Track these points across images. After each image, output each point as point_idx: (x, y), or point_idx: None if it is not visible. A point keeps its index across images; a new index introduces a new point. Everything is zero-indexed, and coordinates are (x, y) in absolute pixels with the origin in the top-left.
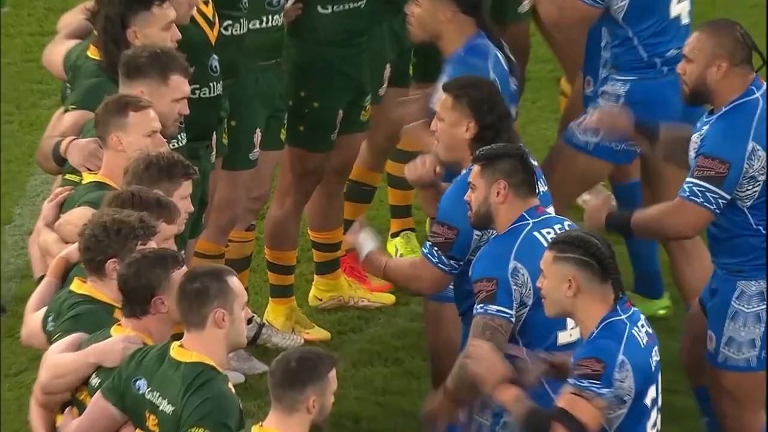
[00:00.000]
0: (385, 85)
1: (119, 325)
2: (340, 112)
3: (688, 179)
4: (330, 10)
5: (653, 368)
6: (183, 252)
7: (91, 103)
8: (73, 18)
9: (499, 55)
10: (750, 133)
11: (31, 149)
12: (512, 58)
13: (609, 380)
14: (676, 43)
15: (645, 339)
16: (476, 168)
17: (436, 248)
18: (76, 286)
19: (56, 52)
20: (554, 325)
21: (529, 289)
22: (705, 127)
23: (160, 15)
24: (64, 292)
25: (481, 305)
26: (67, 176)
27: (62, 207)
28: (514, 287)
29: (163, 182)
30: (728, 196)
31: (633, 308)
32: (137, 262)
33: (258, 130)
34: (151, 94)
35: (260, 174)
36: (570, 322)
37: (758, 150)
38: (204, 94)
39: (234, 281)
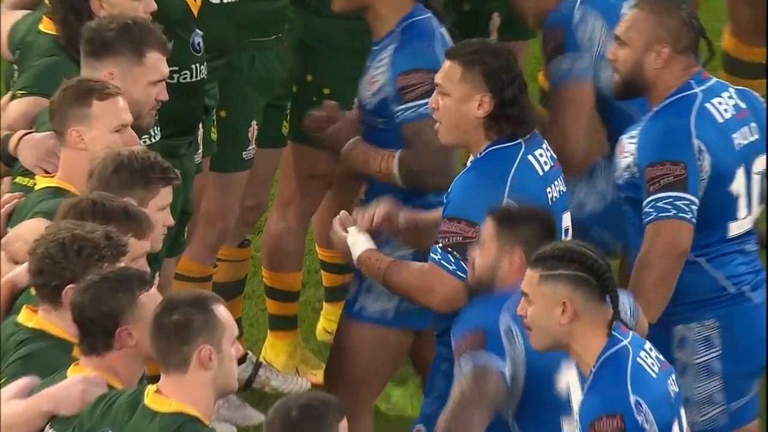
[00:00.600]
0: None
1: (77, 364)
2: (356, 100)
3: (646, 200)
4: None
5: (673, 400)
6: (157, 274)
7: (46, 88)
8: None
9: (443, 31)
10: (691, 131)
11: None
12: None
13: None
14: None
15: (656, 367)
16: (491, 226)
17: (451, 251)
18: (26, 317)
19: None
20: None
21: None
22: (637, 130)
23: None
24: (9, 323)
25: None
26: (17, 179)
27: (10, 218)
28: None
29: (137, 189)
30: (697, 201)
31: (631, 332)
32: (94, 286)
33: (253, 122)
34: (123, 76)
35: (257, 177)
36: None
37: (704, 150)
38: (185, 78)
39: (222, 311)
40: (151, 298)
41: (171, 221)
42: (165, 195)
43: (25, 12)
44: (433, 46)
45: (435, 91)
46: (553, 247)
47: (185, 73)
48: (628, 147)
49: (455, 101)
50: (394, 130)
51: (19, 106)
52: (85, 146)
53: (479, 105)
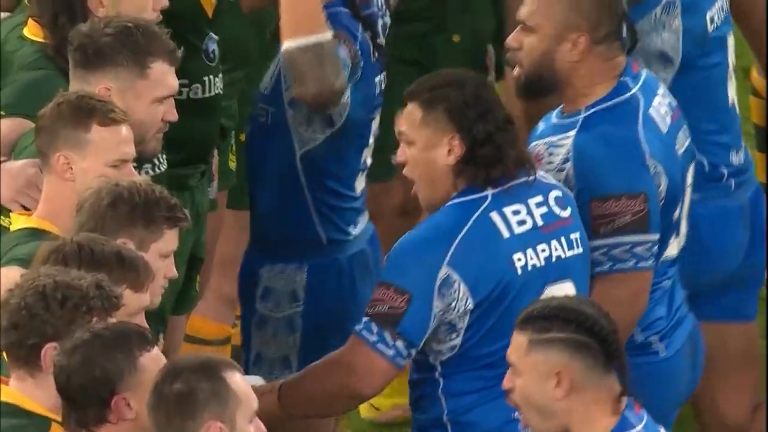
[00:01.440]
0: (491, 77)
1: None
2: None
3: (594, 242)
4: None
5: None
6: (162, 336)
7: (30, 108)
8: None
9: (367, 38)
10: (643, 149)
11: None
12: (377, 28)
13: None
14: (737, 140)
15: None
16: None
17: (375, 321)
18: None
19: None
20: None
21: None
22: (564, 143)
23: None
24: None
25: None
26: None
27: None
28: None
29: (137, 228)
30: (658, 237)
31: (645, 413)
32: (85, 346)
33: None
34: (122, 91)
35: None
36: None
37: (660, 172)
38: (196, 93)
39: (237, 380)
40: (154, 360)
41: (174, 273)
42: (170, 239)
43: (4, 14)
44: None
45: (402, 145)
46: (545, 305)
47: (196, 87)
48: (549, 157)
49: (422, 149)
50: (281, 125)
51: None
52: (72, 177)
53: (449, 150)
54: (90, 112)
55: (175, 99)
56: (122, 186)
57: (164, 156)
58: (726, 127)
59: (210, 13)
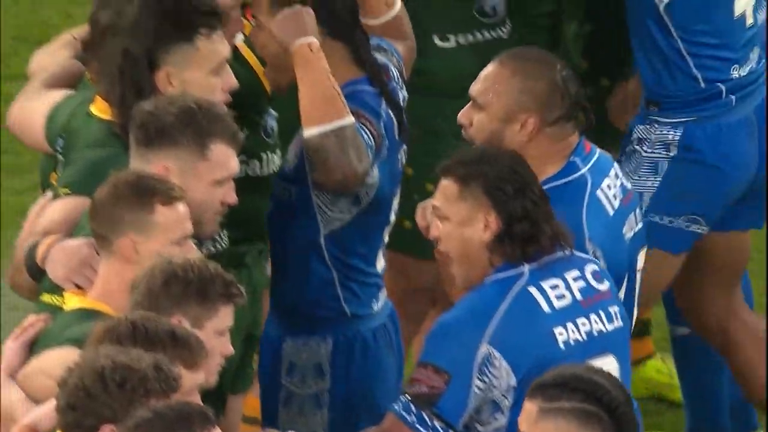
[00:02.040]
0: None
1: None
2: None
3: None
4: (453, 43)
5: None
6: (220, 414)
7: (95, 186)
8: (54, 55)
9: (391, 114)
10: (584, 231)
11: None
12: (400, 104)
13: None
14: (742, 54)
15: None
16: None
17: (413, 401)
18: None
19: (33, 109)
20: None
21: None
22: None
23: (208, 51)
24: None
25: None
26: (44, 297)
27: (33, 347)
28: None
29: (191, 306)
30: None
31: None
32: (146, 425)
33: None
34: (182, 171)
35: None
36: None
37: (599, 257)
38: (254, 170)
39: None
40: None
41: (230, 350)
42: (225, 316)
43: (66, 92)
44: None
45: (435, 219)
46: (556, 374)
47: (254, 164)
48: None
49: (457, 225)
50: (305, 203)
51: (60, 207)
52: (137, 259)
53: (485, 226)
54: (152, 192)
55: (236, 178)
56: (175, 264)
57: (225, 233)
58: (727, 41)
59: (269, 90)
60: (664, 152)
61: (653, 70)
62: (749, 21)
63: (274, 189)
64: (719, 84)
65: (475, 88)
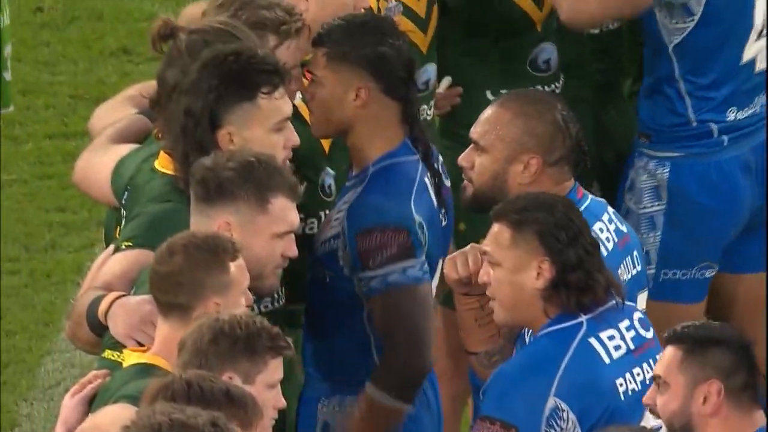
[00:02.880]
0: None
1: None
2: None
3: None
4: None
5: None
6: None
7: (158, 240)
8: (115, 111)
9: (427, 181)
10: None
11: (46, 315)
12: (440, 171)
13: None
14: (744, 98)
15: None
16: (674, 355)
17: None
18: None
19: (100, 162)
20: None
21: None
22: None
23: (270, 109)
24: None
25: None
26: (105, 353)
27: (92, 404)
28: None
29: (240, 362)
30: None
31: None
32: None
33: None
34: (243, 226)
35: None
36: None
37: None
38: (311, 228)
39: None
40: None
41: (283, 402)
42: (275, 369)
43: (131, 146)
44: (406, 200)
45: (485, 264)
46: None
47: (312, 222)
48: None
49: (508, 272)
50: (340, 287)
51: (121, 261)
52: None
53: (538, 274)
54: (224, 251)
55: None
56: (222, 320)
57: (283, 290)
58: (729, 86)
59: (327, 148)
60: (657, 203)
61: (651, 103)
62: (759, 66)
63: (310, 264)
64: (711, 124)
65: (476, 131)
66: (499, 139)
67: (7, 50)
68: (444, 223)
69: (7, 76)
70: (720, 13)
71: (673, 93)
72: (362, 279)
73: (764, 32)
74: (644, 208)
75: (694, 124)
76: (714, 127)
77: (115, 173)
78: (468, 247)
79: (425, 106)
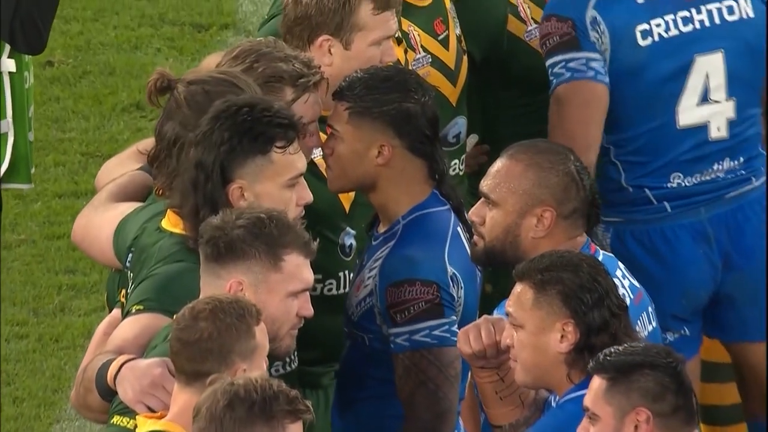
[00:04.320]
0: None
1: None
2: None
3: None
4: None
5: None
6: None
7: (170, 302)
8: (124, 167)
9: (460, 231)
10: None
11: (55, 381)
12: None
13: None
14: (692, 165)
15: None
16: (599, 385)
17: None
18: None
19: (101, 222)
20: None
21: None
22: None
23: (284, 164)
24: None
25: None
26: (114, 419)
27: None
28: None
29: (257, 426)
30: None
31: None
32: None
33: None
34: (255, 285)
35: None
36: None
37: None
38: (330, 290)
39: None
40: None
41: None
42: None
43: (133, 204)
44: (439, 251)
45: (507, 326)
46: None
47: (330, 284)
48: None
49: (531, 334)
50: (382, 350)
51: (132, 326)
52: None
53: (562, 337)
54: (250, 316)
55: (309, 294)
56: (237, 384)
57: (296, 353)
58: (662, 149)
59: (347, 208)
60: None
61: (597, 166)
62: (714, 134)
63: (344, 333)
64: (646, 190)
65: (486, 184)
66: (510, 192)
67: (31, 111)
68: (479, 279)
69: (31, 136)
70: (623, 77)
71: (606, 158)
72: (390, 335)
73: (714, 97)
74: None
75: (630, 189)
76: (649, 193)
77: (117, 234)
78: (481, 318)
79: (456, 161)
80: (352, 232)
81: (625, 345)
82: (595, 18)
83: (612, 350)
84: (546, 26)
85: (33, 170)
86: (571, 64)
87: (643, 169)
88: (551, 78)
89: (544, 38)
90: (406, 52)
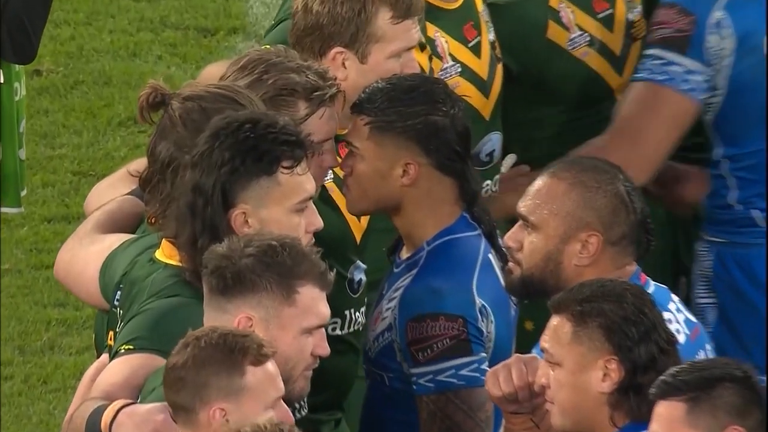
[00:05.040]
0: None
1: None
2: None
3: None
4: None
5: None
6: None
7: (165, 342)
8: (116, 190)
9: (491, 258)
10: None
11: (43, 427)
12: (504, 249)
13: None
14: None
15: None
16: (676, 411)
17: None
18: None
19: (86, 256)
20: None
21: None
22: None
23: (291, 186)
24: None
25: None
26: None
27: None
28: None
29: None
30: None
31: None
32: None
33: None
34: (266, 321)
35: None
36: None
37: None
38: (333, 329)
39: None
40: None
41: None
42: None
43: (122, 236)
44: (467, 281)
45: (543, 364)
46: None
47: (335, 322)
48: None
49: (569, 373)
50: (404, 390)
51: (122, 368)
52: (229, 429)
53: (604, 375)
54: (242, 352)
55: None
56: (244, 431)
57: (305, 399)
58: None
59: (358, 238)
60: (709, 295)
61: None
62: None
63: (365, 368)
64: (754, 211)
65: (525, 205)
66: (552, 215)
67: (23, 125)
68: (513, 311)
69: (22, 154)
70: (744, 88)
71: (716, 172)
72: (412, 375)
73: None
74: (698, 298)
75: (736, 208)
76: (757, 215)
77: (104, 270)
78: (512, 357)
79: (489, 182)
80: (363, 266)
81: (688, 362)
82: (721, 21)
83: (677, 369)
84: (665, 13)
85: (24, 192)
86: (671, 68)
87: (755, 188)
88: (642, 69)
89: (657, 25)
90: (431, 59)
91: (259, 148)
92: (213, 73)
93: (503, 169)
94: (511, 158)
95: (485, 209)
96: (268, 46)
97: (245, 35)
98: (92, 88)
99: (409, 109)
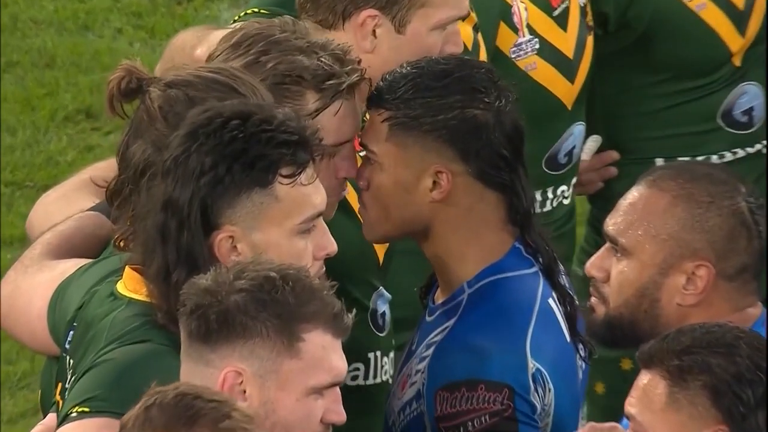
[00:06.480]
0: None
1: None
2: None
3: None
4: None
5: None
6: None
7: (127, 404)
8: (68, 205)
9: (552, 304)
10: None
11: None
12: (572, 294)
13: None
14: None
15: None
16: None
17: None
18: None
19: (30, 289)
20: None
21: None
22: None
23: (293, 200)
24: None
25: None
26: None
27: None
28: None
29: None
30: None
31: None
32: None
33: None
34: (261, 377)
35: None
36: None
37: None
38: (354, 377)
39: None
40: None
41: None
42: None
43: (78, 261)
44: (518, 338)
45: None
46: None
47: (356, 369)
48: None
49: None
50: None
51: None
52: None
53: None
54: (190, 420)
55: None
56: None
57: None
58: None
59: (381, 257)
60: None
61: None
62: None
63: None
64: None
65: (613, 224)
66: (649, 237)
67: None
68: (581, 372)
69: None
70: None
71: None
72: None
73: None
74: None
75: None
76: None
77: (53, 304)
78: (586, 426)
79: (564, 187)
80: (387, 295)
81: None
82: None
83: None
84: None
85: None
86: None
87: None
88: None
89: None
90: (476, 29)
91: (250, 151)
92: (187, 43)
93: (584, 156)
94: (594, 141)
95: (542, 233)
96: (264, 11)
97: (231, 1)
98: (30, 72)
99: (441, 100)
